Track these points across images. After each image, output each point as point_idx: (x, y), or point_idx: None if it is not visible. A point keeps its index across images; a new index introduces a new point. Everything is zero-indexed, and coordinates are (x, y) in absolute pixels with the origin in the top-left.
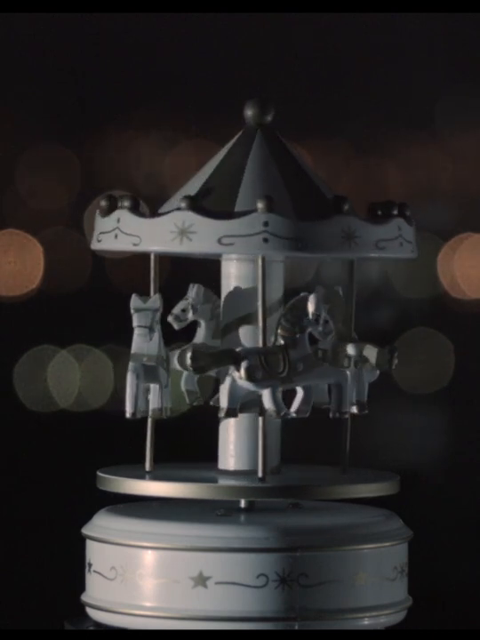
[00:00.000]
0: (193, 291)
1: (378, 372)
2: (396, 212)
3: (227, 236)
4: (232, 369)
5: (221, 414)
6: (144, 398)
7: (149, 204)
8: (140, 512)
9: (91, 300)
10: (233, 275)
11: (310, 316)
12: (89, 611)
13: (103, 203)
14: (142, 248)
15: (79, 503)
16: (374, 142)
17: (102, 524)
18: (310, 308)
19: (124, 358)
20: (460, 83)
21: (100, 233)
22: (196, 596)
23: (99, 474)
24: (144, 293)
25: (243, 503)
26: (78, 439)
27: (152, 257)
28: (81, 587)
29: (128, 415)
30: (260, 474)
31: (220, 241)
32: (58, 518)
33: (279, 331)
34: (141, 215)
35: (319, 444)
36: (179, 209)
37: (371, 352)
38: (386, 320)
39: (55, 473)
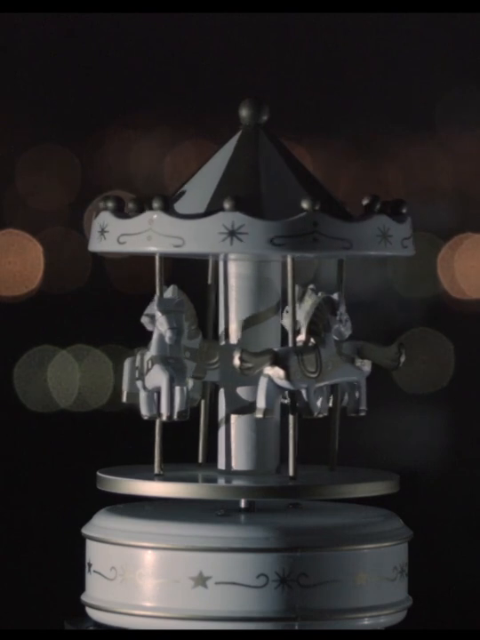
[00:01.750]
0: (168, 291)
1: (369, 368)
2: (405, 211)
3: (279, 237)
4: (269, 369)
5: (259, 414)
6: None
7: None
8: (140, 512)
9: (91, 300)
10: (232, 274)
11: (337, 315)
12: (89, 611)
13: (111, 203)
14: (186, 250)
15: (79, 503)
16: (374, 142)
17: (102, 524)
18: (337, 307)
19: (125, 358)
20: (460, 83)
21: (123, 235)
22: (196, 596)
23: (99, 474)
24: (148, 294)
25: (243, 503)
26: (78, 439)
27: (157, 258)
28: (81, 587)
29: (165, 418)
30: (291, 472)
31: (271, 242)
32: (58, 518)
33: (308, 330)
34: (180, 216)
35: (319, 443)
36: (223, 210)
37: (379, 350)
38: (386, 320)
39: (55, 473)
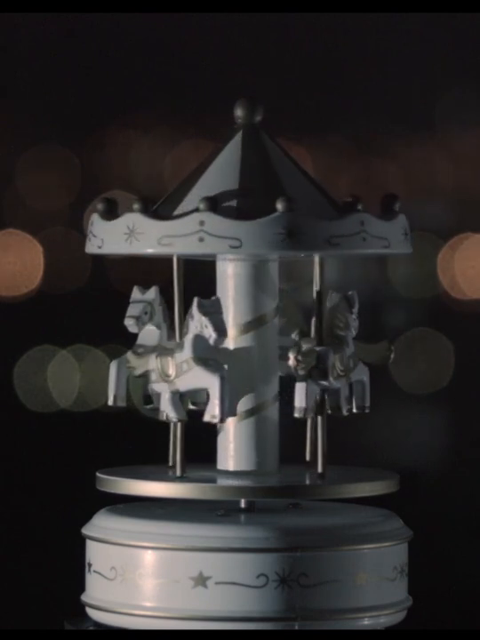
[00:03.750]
0: (151, 292)
1: None
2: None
3: (334, 237)
4: (311, 368)
5: (299, 414)
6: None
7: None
8: (140, 512)
9: (91, 300)
10: (230, 275)
11: (353, 313)
12: (89, 611)
13: (138, 205)
14: (244, 251)
15: (79, 503)
16: (374, 142)
17: (102, 524)
18: (353, 305)
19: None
20: (460, 83)
21: (166, 236)
22: (196, 596)
23: (98, 474)
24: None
25: (243, 503)
26: (78, 439)
27: (175, 259)
28: (81, 587)
29: (217, 420)
30: (320, 469)
31: (328, 241)
32: (58, 518)
33: (334, 330)
34: (236, 217)
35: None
36: (277, 211)
37: (368, 348)
38: (386, 320)
39: (55, 473)
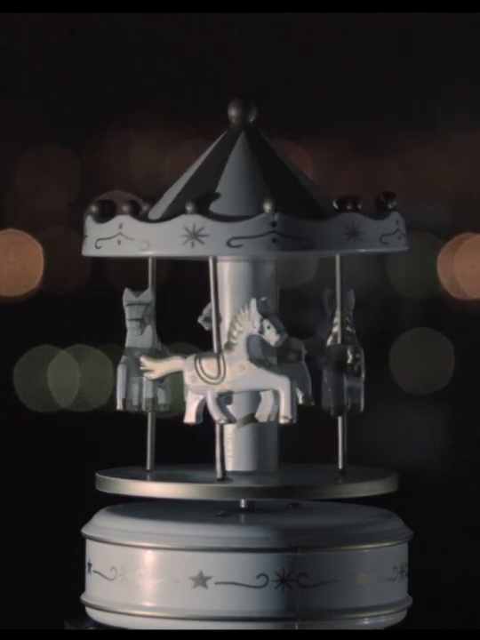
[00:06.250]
0: (148, 294)
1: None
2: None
3: (383, 235)
4: (337, 366)
5: (336, 413)
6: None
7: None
8: (140, 512)
9: (91, 300)
10: (228, 275)
11: (351, 311)
12: (89, 611)
13: (192, 206)
14: (316, 250)
15: (79, 503)
16: (374, 141)
17: (102, 524)
18: (352, 304)
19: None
20: (460, 83)
21: (235, 238)
22: (196, 596)
23: (98, 475)
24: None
25: (243, 503)
26: (78, 439)
27: (211, 260)
28: (81, 587)
29: (288, 421)
30: (340, 466)
31: (380, 240)
32: (58, 518)
33: (347, 328)
34: (305, 217)
35: (318, 443)
36: (345, 211)
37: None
38: (386, 320)
39: (55, 473)
